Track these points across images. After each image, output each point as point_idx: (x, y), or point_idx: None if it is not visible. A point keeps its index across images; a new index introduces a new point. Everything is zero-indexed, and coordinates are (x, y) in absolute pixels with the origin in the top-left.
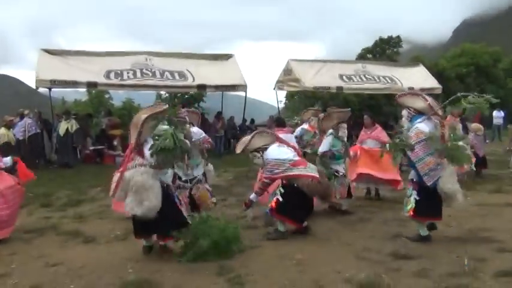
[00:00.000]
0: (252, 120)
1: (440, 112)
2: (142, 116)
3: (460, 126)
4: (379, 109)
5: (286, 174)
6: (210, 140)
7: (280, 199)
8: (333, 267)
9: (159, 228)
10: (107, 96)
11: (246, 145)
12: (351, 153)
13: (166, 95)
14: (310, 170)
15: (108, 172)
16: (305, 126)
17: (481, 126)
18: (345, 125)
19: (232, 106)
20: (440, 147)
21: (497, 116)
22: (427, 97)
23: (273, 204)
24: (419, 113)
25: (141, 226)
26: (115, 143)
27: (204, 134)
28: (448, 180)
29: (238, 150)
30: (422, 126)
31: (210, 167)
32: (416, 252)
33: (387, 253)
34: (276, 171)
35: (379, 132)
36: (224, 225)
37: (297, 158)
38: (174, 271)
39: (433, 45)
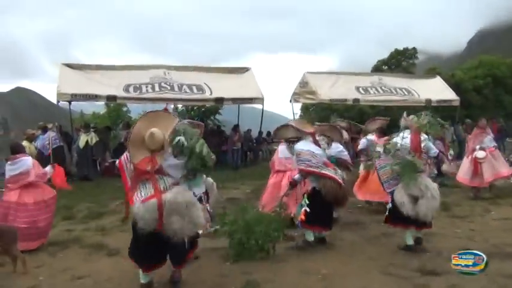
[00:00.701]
0: (269, 133)
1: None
2: (157, 133)
3: (489, 137)
4: (396, 122)
5: (319, 171)
6: (213, 156)
7: (308, 210)
8: (359, 283)
9: (175, 254)
10: (124, 109)
11: (275, 132)
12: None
13: (183, 108)
14: (338, 175)
15: None
16: (371, 137)
17: None
18: (322, 137)
19: (248, 118)
20: (398, 160)
21: None
22: (406, 117)
23: (302, 217)
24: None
25: (153, 254)
26: None
27: None
28: (398, 191)
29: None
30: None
31: (210, 181)
32: (444, 268)
33: (413, 268)
34: (311, 163)
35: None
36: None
37: (325, 158)
38: (198, 285)
39: (448, 55)
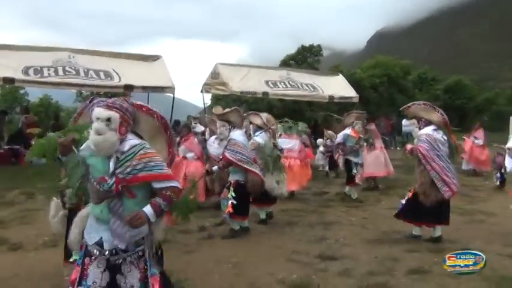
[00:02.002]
0: (178, 122)
1: (273, 127)
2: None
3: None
4: (302, 114)
5: (249, 168)
6: None
7: (234, 202)
8: (267, 270)
9: None
10: (22, 91)
11: (227, 112)
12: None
13: (88, 93)
14: (261, 172)
15: (25, 173)
16: (348, 131)
17: (334, 134)
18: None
19: (157, 105)
20: (263, 156)
21: (406, 124)
22: (263, 116)
23: (230, 209)
24: (259, 128)
25: None
26: (33, 142)
27: None
28: (268, 180)
29: (219, 111)
30: (257, 138)
31: None
32: (340, 254)
33: (315, 255)
34: (243, 157)
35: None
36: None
37: (253, 152)
38: None
39: (350, 52)
